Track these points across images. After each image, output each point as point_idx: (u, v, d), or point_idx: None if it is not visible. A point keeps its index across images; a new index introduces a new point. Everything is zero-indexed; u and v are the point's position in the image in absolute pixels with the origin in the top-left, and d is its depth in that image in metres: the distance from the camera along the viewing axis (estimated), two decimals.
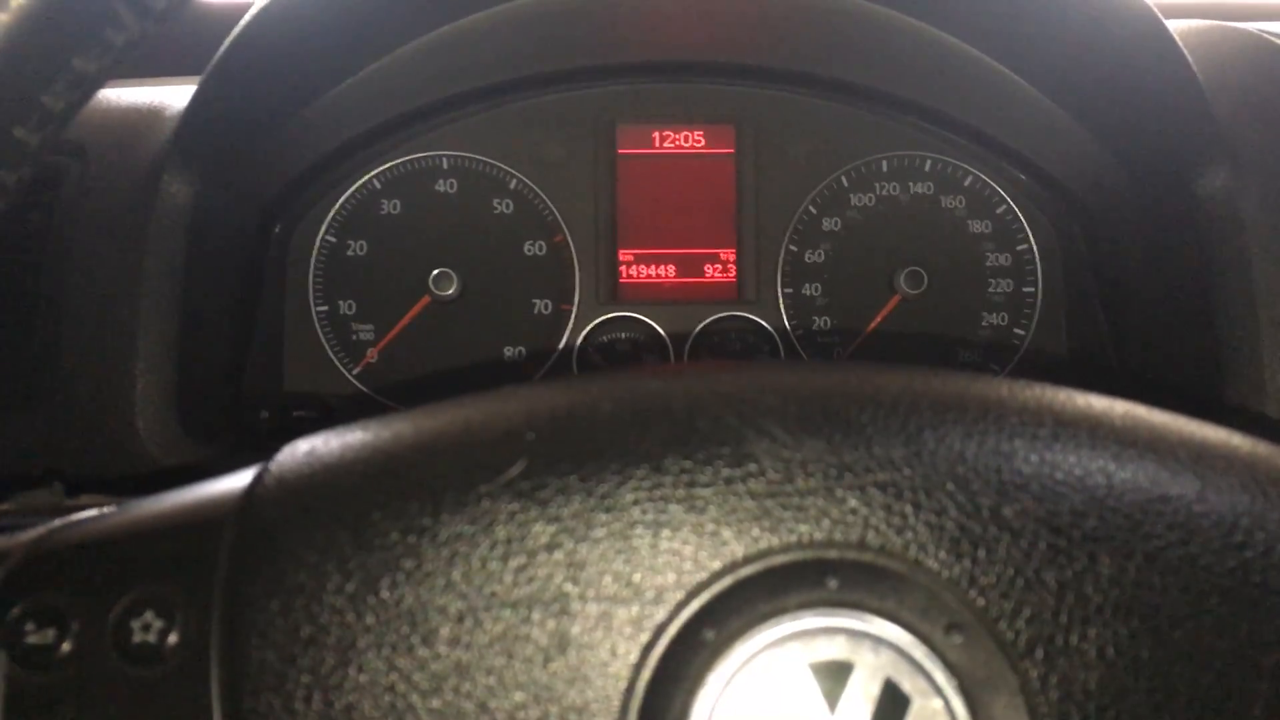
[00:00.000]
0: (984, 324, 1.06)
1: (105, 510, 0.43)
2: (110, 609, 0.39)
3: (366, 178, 1.04)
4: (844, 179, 1.07)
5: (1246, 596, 0.37)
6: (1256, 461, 0.40)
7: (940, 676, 0.37)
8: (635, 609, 0.37)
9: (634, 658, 0.37)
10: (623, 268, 1.06)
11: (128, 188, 0.84)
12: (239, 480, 0.41)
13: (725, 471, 0.38)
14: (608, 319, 1.05)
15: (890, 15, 0.96)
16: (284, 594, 0.37)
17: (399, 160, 1.05)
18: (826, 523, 0.38)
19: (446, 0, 0.94)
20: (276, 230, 1.02)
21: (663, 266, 1.07)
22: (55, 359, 0.82)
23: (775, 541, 0.38)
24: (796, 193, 1.07)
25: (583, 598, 0.37)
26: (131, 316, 0.81)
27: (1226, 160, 0.82)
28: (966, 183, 1.07)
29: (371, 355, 1.04)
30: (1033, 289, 1.06)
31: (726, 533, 0.38)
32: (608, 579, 0.38)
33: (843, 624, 0.37)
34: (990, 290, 1.06)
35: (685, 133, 1.07)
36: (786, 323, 1.06)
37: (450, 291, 1.02)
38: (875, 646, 0.37)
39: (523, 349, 1.05)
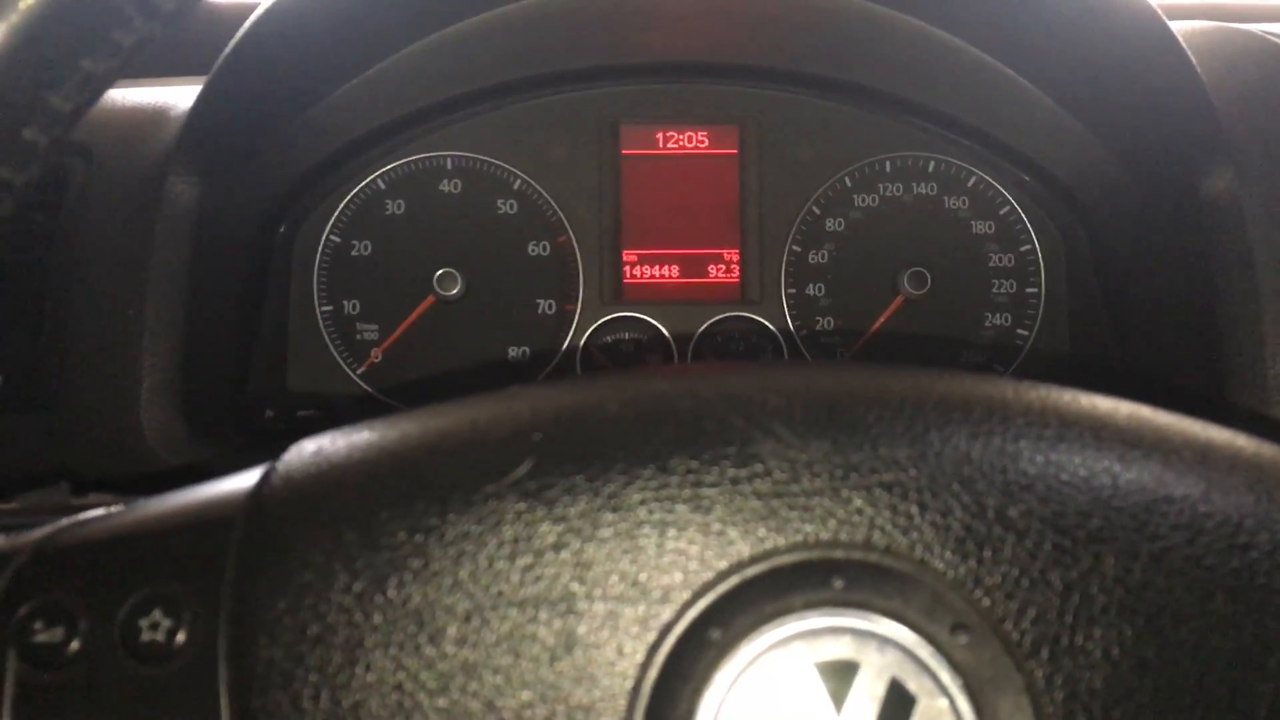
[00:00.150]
0: (987, 325, 1.06)
1: (113, 509, 0.43)
2: (118, 608, 0.39)
3: (371, 178, 1.05)
4: (847, 179, 1.07)
5: (1251, 597, 0.38)
6: (1261, 462, 0.40)
7: (946, 676, 0.37)
8: (641, 608, 0.38)
9: (640, 657, 0.37)
10: (626, 268, 1.06)
11: (133, 188, 0.85)
12: (246, 480, 0.41)
13: (731, 472, 0.38)
14: (611, 319, 1.05)
15: (894, 16, 0.96)
16: (292, 593, 0.38)
17: (403, 160, 1.05)
18: (832, 523, 0.38)
19: (450, 1, 0.95)
20: (281, 230, 1.02)
21: (666, 267, 1.07)
22: (61, 359, 0.82)
23: (781, 541, 0.38)
24: (800, 193, 1.07)
25: (589, 597, 0.37)
26: (137, 316, 0.82)
27: (1230, 162, 0.82)
28: (970, 184, 1.07)
29: (376, 355, 1.04)
30: (1036, 290, 1.06)
31: (732, 533, 0.38)
32: (614, 578, 0.38)
33: (848, 624, 0.37)
34: (993, 291, 1.06)
35: (689, 133, 1.07)
36: (790, 323, 1.06)
37: (454, 292, 1.02)
38: (881, 646, 0.37)
39: (526, 349, 1.05)
